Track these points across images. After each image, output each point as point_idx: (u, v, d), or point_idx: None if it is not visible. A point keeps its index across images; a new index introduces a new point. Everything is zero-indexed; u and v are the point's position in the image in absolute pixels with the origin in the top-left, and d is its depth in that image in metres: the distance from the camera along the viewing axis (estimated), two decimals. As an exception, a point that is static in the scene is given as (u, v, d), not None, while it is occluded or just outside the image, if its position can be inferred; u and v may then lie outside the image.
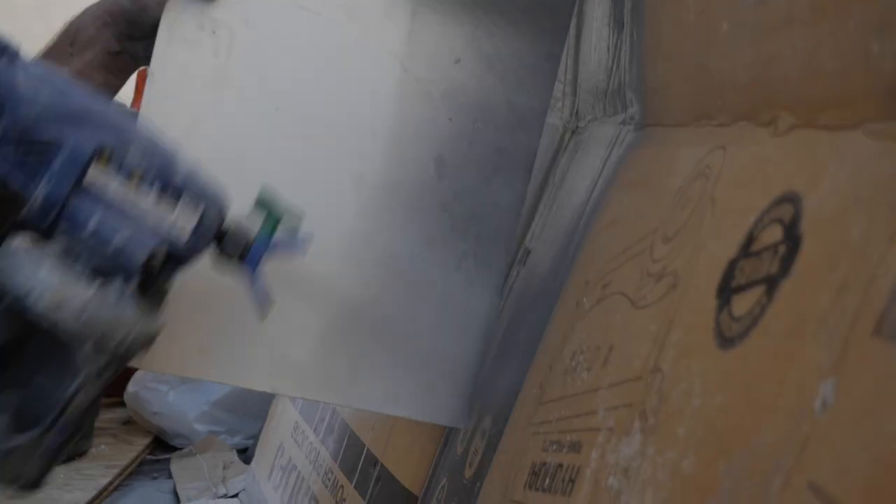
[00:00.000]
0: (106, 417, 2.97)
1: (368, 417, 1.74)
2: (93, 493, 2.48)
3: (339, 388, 1.35)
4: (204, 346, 1.29)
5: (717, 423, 0.76)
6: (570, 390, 1.07)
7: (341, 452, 1.80)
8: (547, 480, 1.04)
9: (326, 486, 1.83)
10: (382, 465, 1.61)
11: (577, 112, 1.52)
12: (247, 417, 2.84)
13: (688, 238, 0.94)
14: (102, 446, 2.82)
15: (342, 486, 1.74)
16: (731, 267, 0.83)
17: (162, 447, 2.91)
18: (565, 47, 1.49)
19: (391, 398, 1.35)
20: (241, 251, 1.13)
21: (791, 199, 0.78)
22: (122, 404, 3.00)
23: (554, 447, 1.05)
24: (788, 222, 0.77)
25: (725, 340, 0.79)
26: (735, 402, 0.75)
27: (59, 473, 2.57)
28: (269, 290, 1.18)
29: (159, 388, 2.87)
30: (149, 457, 2.87)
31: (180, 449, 2.85)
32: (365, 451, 1.69)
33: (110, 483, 2.58)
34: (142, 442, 2.90)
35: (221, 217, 1.09)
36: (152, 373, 2.88)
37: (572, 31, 1.52)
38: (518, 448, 1.16)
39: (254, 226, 1.14)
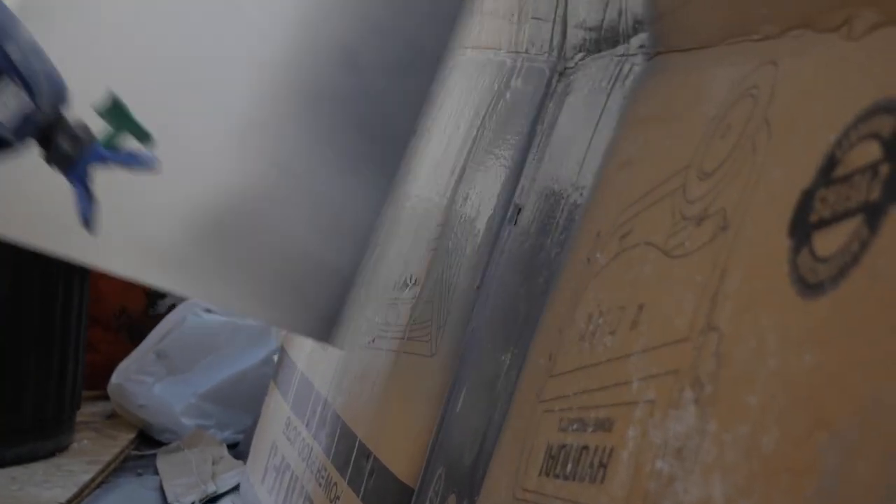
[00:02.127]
0: (88, 411, 2.80)
1: (360, 408, 1.59)
2: (74, 490, 2.32)
3: (206, 282, 1.22)
4: (66, 223, 1.14)
5: (807, 386, 0.61)
6: (590, 359, 0.92)
7: (334, 446, 1.64)
8: (569, 466, 0.88)
9: (320, 485, 1.67)
10: (375, 458, 1.45)
11: (564, 53, 1.36)
12: (236, 410, 2.68)
13: (736, 170, 0.79)
14: (84, 441, 2.65)
15: (335, 484, 1.58)
16: (808, 198, 0.67)
17: (147, 442, 2.75)
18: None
19: (258, 301, 1.22)
20: (72, 151, 1.01)
21: (889, 108, 0.63)
22: (106, 398, 2.84)
23: (575, 426, 0.89)
24: (889, 136, 0.62)
25: (809, 287, 0.64)
26: (832, 360, 0.59)
27: (38, 469, 2.45)
28: (95, 200, 1.08)
29: (144, 380, 2.70)
30: (133, 452, 2.70)
31: (167, 444, 2.69)
32: (357, 444, 1.53)
33: (92, 480, 2.43)
34: (126, 436, 2.73)
35: (56, 107, 0.96)
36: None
37: None
38: (527, 428, 1.01)
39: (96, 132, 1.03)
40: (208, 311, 2.75)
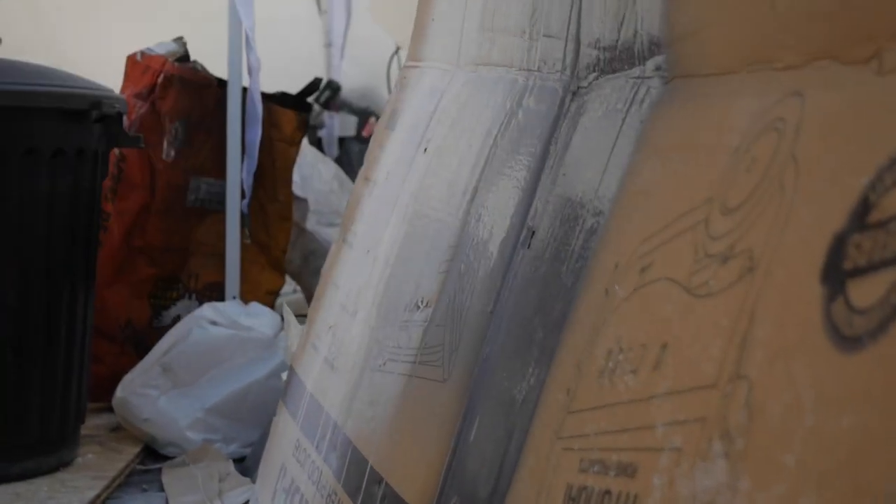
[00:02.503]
0: (92, 423, 2.77)
1: (372, 432, 1.56)
2: (79, 507, 2.31)
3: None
4: None
5: (847, 449, 0.58)
6: (611, 397, 0.89)
7: (344, 471, 1.61)
8: (590, 510, 0.85)
9: (331, 510, 1.64)
10: (387, 484, 1.42)
11: (577, 72, 1.33)
12: (243, 424, 2.65)
13: (762, 208, 0.76)
14: (89, 455, 2.62)
15: (346, 509, 1.55)
16: (841, 243, 0.65)
17: (153, 456, 2.72)
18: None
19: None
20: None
21: (927, 152, 0.60)
22: (110, 409, 2.82)
23: (596, 468, 0.87)
24: (929, 182, 0.59)
25: (846, 339, 0.61)
26: (875, 422, 0.57)
27: (43, 485, 2.42)
28: None
29: (149, 393, 2.67)
30: (138, 467, 2.67)
31: (172, 458, 2.66)
32: (369, 469, 1.50)
33: (98, 496, 2.40)
34: (131, 451, 2.70)
35: None
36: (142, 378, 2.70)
37: None
38: (545, 465, 0.98)
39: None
40: (214, 323, 2.73)
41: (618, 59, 1.21)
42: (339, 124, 5.09)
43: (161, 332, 2.91)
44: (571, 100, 1.34)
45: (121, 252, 2.93)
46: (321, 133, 4.94)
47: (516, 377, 1.21)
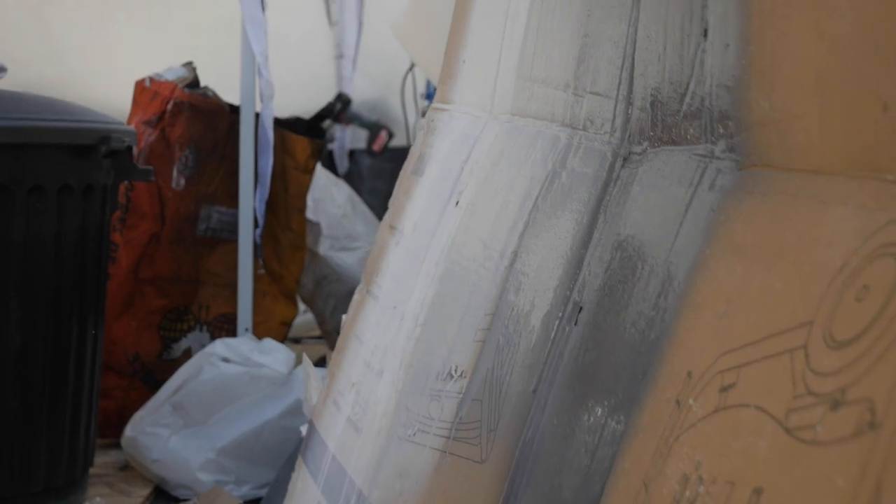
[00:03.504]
0: (101, 461, 2.67)
1: (398, 498, 1.47)
2: (88, 558, 2.23)
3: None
4: None
5: None
6: (693, 539, 0.79)
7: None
8: None
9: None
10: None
11: (629, 136, 1.24)
12: (256, 465, 2.56)
13: (883, 350, 0.66)
14: (97, 499, 2.53)
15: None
16: None
17: (163, 497, 2.63)
18: (615, 48, 1.22)
19: None
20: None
21: None
22: (118, 445, 2.73)
23: None
24: None
25: None
26: None
27: None
28: None
29: (160, 433, 2.58)
30: (149, 509, 2.59)
31: (183, 501, 2.57)
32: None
33: (108, 545, 2.33)
34: (141, 493, 2.61)
35: None
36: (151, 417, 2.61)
37: (625, 26, 1.25)
38: None
39: None
40: (225, 360, 2.63)
41: (679, 129, 1.11)
42: (349, 137, 5.01)
43: (170, 364, 2.82)
44: (622, 166, 1.25)
45: (129, 283, 2.84)
46: (331, 146, 4.86)
47: (565, 471, 1.12)
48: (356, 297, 1.86)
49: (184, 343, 2.94)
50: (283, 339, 3.05)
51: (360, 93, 5.22)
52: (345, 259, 3.48)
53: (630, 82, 1.24)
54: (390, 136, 4.83)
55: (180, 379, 2.64)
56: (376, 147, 5.21)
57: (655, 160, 1.15)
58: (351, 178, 4.73)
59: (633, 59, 1.24)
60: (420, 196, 1.73)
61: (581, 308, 1.22)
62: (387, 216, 1.84)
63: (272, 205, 2.92)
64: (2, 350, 2.22)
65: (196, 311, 2.95)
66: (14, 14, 4.85)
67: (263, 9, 2.79)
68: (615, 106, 1.27)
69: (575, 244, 1.27)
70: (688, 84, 1.08)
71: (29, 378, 2.26)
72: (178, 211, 2.85)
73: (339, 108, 4.87)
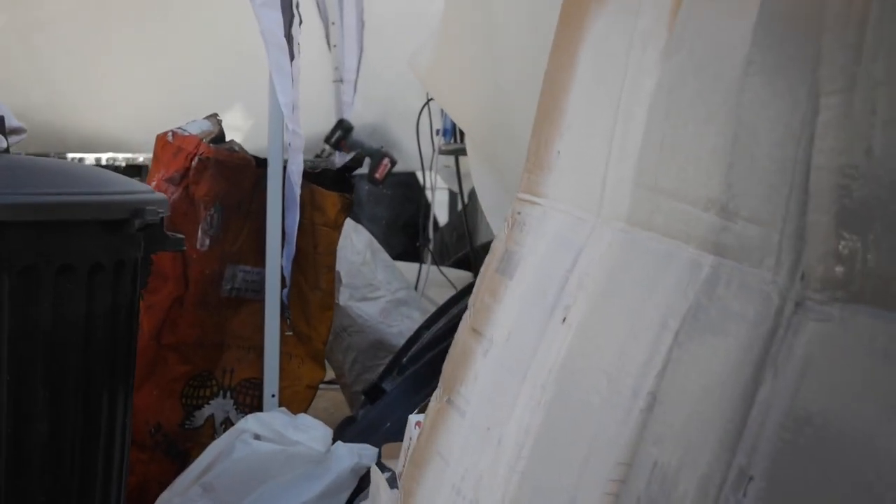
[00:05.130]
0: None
1: None
2: None
3: None
4: None
5: None
6: None
7: None
8: None
9: None
10: None
11: (804, 279, 1.08)
12: None
13: None
14: None
15: None
16: None
17: None
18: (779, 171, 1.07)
19: None
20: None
21: None
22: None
23: None
24: None
25: None
26: None
27: None
28: None
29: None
30: None
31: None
32: None
33: None
34: None
35: None
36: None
37: (792, 149, 1.10)
38: None
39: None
40: (258, 437, 2.47)
41: (871, 287, 0.96)
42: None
43: (193, 433, 2.66)
44: (794, 313, 1.09)
45: (150, 350, 2.68)
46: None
47: None
48: (433, 404, 1.69)
49: (206, 410, 2.78)
50: (309, 403, 2.89)
51: (361, 118, 5.06)
52: (365, 310, 3.32)
53: (803, 216, 1.09)
54: (392, 163, 4.67)
55: (209, 457, 2.47)
56: (378, 175, 5.05)
57: (849, 324, 1.00)
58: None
59: (805, 186, 1.09)
60: (512, 302, 1.57)
61: (751, 478, 1.07)
62: (468, 317, 1.68)
63: (300, 263, 2.76)
64: (29, 442, 2.05)
65: (220, 376, 2.78)
66: (2, 37, 4.68)
67: (292, 58, 2.63)
68: (780, 240, 1.11)
69: (734, 397, 1.12)
70: None
71: (57, 472, 2.09)
72: (202, 272, 2.69)
73: (340, 136, 4.71)
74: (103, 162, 4.08)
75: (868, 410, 0.93)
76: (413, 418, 1.80)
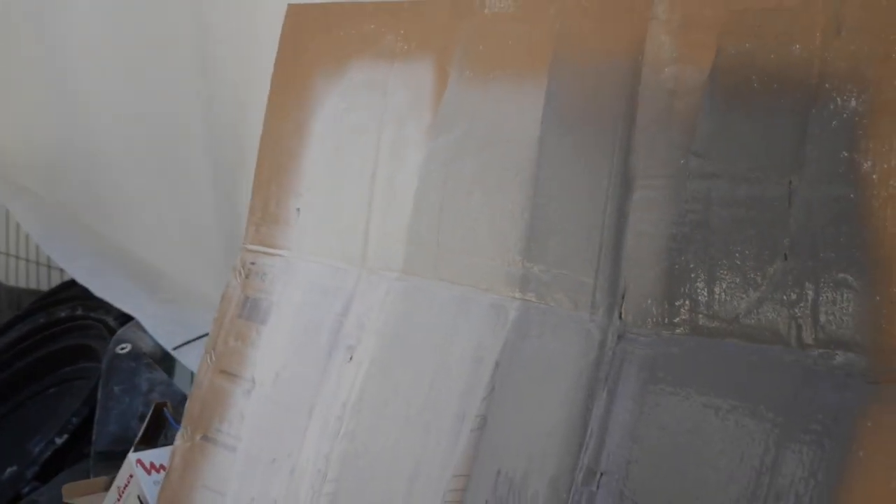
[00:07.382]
0: None
1: None
2: None
3: None
4: None
5: None
6: None
7: None
8: None
9: None
10: None
11: (620, 314, 1.38)
12: None
13: None
14: None
15: None
16: None
17: None
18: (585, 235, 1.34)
19: None
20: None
21: None
22: None
23: None
24: None
25: None
26: None
27: None
28: None
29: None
30: None
31: None
32: None
33: None
34: None
35: None
36: None
37: (599, 215, 1.38)
38: None
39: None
40: None
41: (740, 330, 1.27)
42: None
43: None
44: (617, 343, 1.36)
45: None
46: None
47: None
48: (180, 444, 1.82)
49: None
50: None
51: None
52: None
53: (615, 267, 1.36)
54: None
55: None
56: None
57: (684, 351, 1.28)
58: None
59: (618, 245, 1.36)
60: (272, 345, 1.74)
61: (602, 473, 1.34)
62: (208, 360, 1.82)
63: None
64: None
65: None
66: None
67: None
68: (594, 288, 1.38)
69: (573, 415, 1.35)
70: (757, 283, 1.25)
71: None
72: None
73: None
74: None
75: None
76: (133, 456, 1.91)
